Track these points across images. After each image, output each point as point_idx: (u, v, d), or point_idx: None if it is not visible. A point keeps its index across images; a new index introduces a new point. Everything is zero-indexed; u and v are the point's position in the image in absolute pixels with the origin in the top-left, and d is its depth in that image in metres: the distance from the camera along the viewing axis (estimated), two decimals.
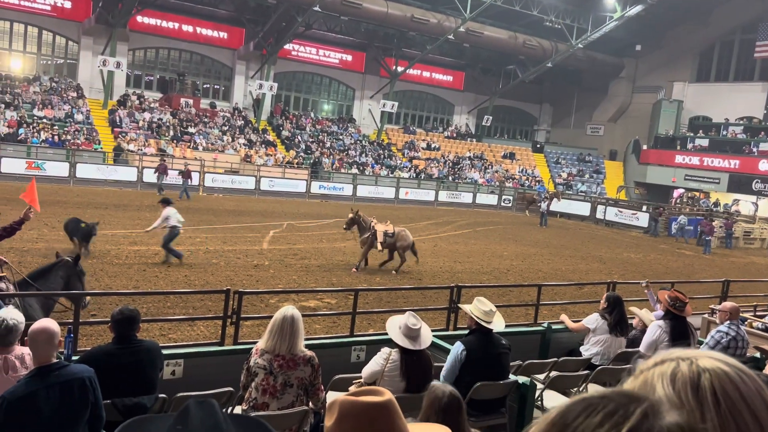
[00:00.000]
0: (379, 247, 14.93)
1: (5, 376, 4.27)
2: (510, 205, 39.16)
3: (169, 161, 30.31)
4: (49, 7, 35.19)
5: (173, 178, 27.21)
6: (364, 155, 40.52)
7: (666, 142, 44.22)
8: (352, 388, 5.32)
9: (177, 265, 13.52)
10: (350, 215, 15.52)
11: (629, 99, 47.83)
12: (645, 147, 44.98)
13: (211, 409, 1.15)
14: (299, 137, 39.74)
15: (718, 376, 0.91)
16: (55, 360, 3.81)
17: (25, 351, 4.37)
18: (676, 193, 44.19)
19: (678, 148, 43.28)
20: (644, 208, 34.75)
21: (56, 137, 30.73)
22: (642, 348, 7.03)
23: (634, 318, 7.94)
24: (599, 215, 35.54)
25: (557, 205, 33.58)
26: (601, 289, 12.92)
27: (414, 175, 40.29)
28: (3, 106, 31.49)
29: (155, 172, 26.74)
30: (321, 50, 43.41)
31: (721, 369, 0.92)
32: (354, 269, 14.79)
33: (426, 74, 47.44)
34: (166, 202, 13.84)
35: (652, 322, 7.43)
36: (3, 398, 3.56)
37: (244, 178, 32.45)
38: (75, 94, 34.78)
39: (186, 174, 26.19)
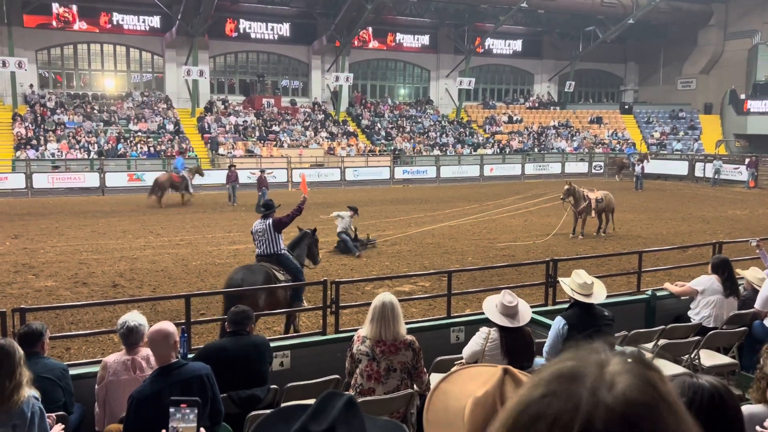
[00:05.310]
0: (593, 214, 16.73)
1: (134, 375, 4.61)
2: (601, 171, 37.87)
3: (258, 161, 31.24)
4: (137, 26, 37.04)
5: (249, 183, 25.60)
6: (444, 136, 40.26)
7: (766, 89, 41.32)
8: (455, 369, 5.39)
9: None
10: (566, 187, 16.96)
11: (721, 47, 44.88)
12: (743, 96, 42.20)
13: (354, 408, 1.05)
14: (378, 125, 39.97)
15: None
16: (174, 360, 4.06)
17: (150, 352, 4.69)
18: None
19: None
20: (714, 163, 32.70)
21: (152, 148, 32.40)
22: (757, 305, 6.71)
23: (742, 280, 7.54)
24: (698, 173, 33.74)
25: (650, 167, 32.16)
26: (706, 251, 12.31)
27: (497, 150, 39.65)
28: (102, 124, 33.51)
29: (227, 182, 25.03)
30: (393, 35, 43.40)
31: None
32: (580, 236, 16.76)
33: (501, 45, 46.45)
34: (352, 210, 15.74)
35: (762, 280, 7.04)
36: (132, 397, 3.84)
37: (330, 171, 32.99)
38: (165, 106, 36.50)
39: (232, 177, 24.38)
